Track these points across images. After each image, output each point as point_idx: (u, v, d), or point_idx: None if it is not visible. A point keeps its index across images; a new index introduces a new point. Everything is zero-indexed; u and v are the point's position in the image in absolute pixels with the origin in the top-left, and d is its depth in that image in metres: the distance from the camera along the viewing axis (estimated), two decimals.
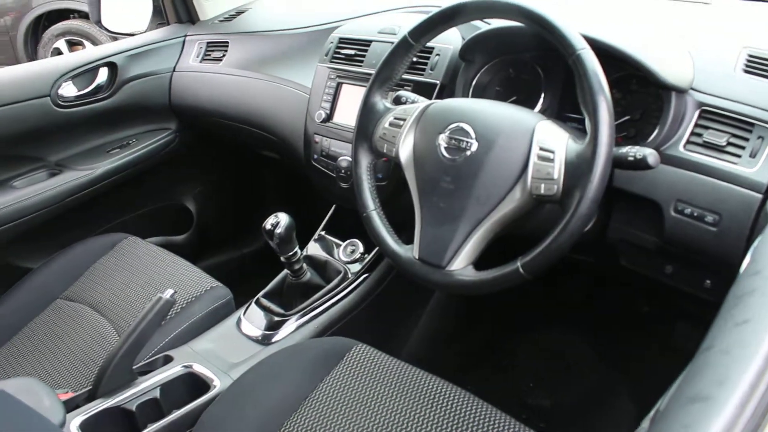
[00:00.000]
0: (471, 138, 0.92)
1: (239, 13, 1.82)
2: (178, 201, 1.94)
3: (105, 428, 1.05)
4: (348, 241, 1.48)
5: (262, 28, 1.71)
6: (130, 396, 1.08)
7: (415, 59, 1.19)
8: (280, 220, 1.23)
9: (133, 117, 1.76)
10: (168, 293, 1.08)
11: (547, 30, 0.88)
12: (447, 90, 1.21)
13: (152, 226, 1.82)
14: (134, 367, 1.11)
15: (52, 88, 1.58)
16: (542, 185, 0.85)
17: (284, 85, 1.52)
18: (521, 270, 0.85)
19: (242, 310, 1.30)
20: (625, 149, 0.87)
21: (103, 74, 1.68)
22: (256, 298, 1.32)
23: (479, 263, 0.92)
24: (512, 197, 0.88)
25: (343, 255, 1.46)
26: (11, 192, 1.56)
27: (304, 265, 1.33)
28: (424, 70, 1.25)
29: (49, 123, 1.59)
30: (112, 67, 1.68)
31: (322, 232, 1.53)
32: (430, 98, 1.14)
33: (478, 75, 1.20)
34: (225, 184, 2.00)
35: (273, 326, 1.26)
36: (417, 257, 0.95)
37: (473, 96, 1.18)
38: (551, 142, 0.87)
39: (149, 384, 1.11)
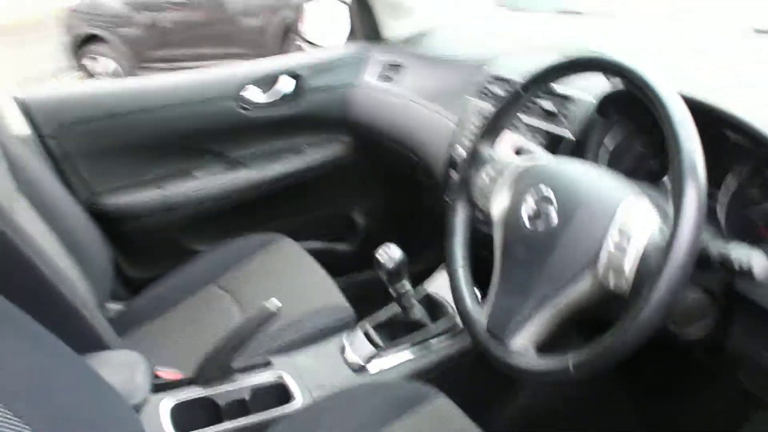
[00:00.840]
0: (553, 208, 0.82)
1: (422, 35, 1.82)
2: (342, 210, 2.00)
3: (192, 414, 1.12)
4: None
5: (436, 52, 1.69)
6: (221, 391, 1.15)
7: (550, 105, 1.10)
8: (390, 252, 1.21)
9: (309, 126, 1.85)
10: (273, 305, 1.12)
11: (635, 85, 0.78)
12: (577, 147, 1.08)
13: (312, 232, 1.91)
14: (233, 364, 1.17)
15: (238, 92, 1.72)
16: (612, 277, 0.73)
17: (439, 114, 1.50)
18: (571, 369, 0.74)
19: (348, 333, 1.31)
20: (729, 248, 0.71)
21: (286, 83, 1.79)
22: (361, 324, 1.32)
23: (545, 345, 0.82)
24: (582, 284, 0.76)
25: None
26: (191, 180, 1.74)
27: (415, 301, 1.30)
28: (556, 117, 1.13)
29: (232, 122, 1.74)
30: (295, 76, 1.79)
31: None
32: (554, 152, 1.04)
33: (613, 135, 1.05)
34: (389, 202, 2.03)
35: (371, 358, 1.25)
36: (485, 325, 0.88)
37: (607, 161, 1.05)
38: (632, 228, 0.73)
39: (241, 384, 1.17)
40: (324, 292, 1.42)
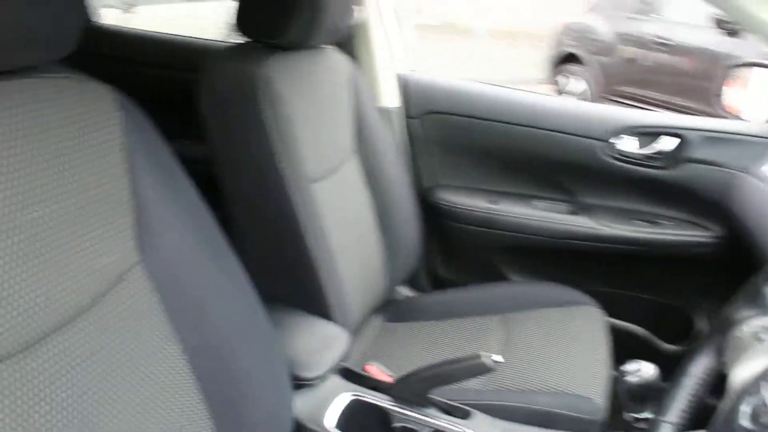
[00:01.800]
0: None
1: None
2: (679, 304, 1.68)
3: (362, 417, 1.08)
4: None
5: None
6: (402, 413, 1.08)
7: None
8: (641, 370, 0.95)
9: (678, 198, 1.58)
10: (491, 360, 1.01)
11: None
12: None
13: (629, 311, 1.65)
14: (431, 395, 1.09)
15: (610, 137, 1.56)
16: None
17: None
18: None
19: None
20: None
21: (667, 143, 1.55)
22: None
23: None
24: None
25: None
26: (528, 207, 1.66)
27: None
28: None
29: (593, 166, 1.59)
30: (678, 139, 1.53)
31: None
32: None
33: None
34: None
35: None
36: None
37: None
38: None
39: (426, 418, 1.08)
40: (590, 379, 1.22)
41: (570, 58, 6.10)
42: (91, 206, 0.73)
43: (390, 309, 1.55)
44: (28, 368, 0.64)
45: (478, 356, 1.01)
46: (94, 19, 2.09)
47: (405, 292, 1.69)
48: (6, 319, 0.62)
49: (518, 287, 1.58)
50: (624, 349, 1.33)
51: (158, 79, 1.75)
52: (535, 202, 1.66)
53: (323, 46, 1.39)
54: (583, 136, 1.57)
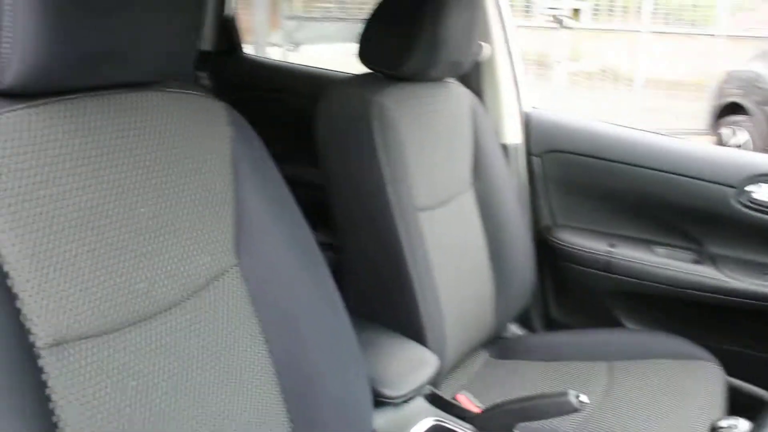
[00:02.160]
0: None
1: None
2: None
3: None
4: None
5: None
6: None
7: None
8: (738, 427, 0.88)
9: None
10: (577, 400, 0.99)
11: None
12: None
13: (750, 373, 1.51)
14: (516, 431, 1.08)
15: (745, 184, 1.46)
16: None
17: None
18: None
19: None
20: None
21: None
22: None
23: None
24: None
25: None
26: (648, 253, 1.58)
27: None
28: None
29: (723, 214, 1.50)
30: None
31: None
32: None
33: None
34: None
35: None
36: None
37: None
38: None
39: None
40: None
41: (733, 109, 5.73)
42: (198, 208, 0.81)
43: (497, 345, 1.54)
44: (125, 345, 0.72)
45: (565, 394, 0.98)
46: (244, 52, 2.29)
47: (515, 329, 1.67)
48: (113, 298, 0.70)
49: (632, 335, 1.52)
50: (744, 412, 1.23)
51: (284, 105, 1.87)
52: (657, 249, 1.58)
53: (446, 79, 1.43)
54: (712, 182, 1.49)
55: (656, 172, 1.53)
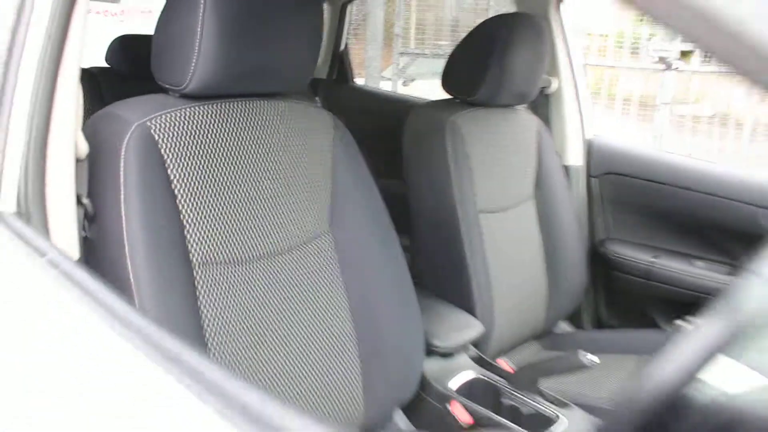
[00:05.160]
0: None
1: None
2: None
3: (481, 392, 1.34)
4: None
5: None
6: (510, 393, 1.31)
7: None
8: None
9: None
10: (589, 360, 1.22)
11: None
12: None
13: None
14: (541, 387, 1.31)
15: None
16: None
17: None
18: None
19: None
20: None
21: None
22: None
23: None
24: None
25: None
26: (687, 265, 1.77)
27: None
28: None
29: (753, 231, 1.67)
30: None
31: None
32: None
33: None
34: None
35: None
36: None
37: None
38: None
39: (525, 399, 1.29)
40: None
41: None
42: (305, 186, 1.15)
43: (548, 338, 1.78)
44: (251, 274, 1.06)
45: (576, 353, 1.22)
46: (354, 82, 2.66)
47: (565, 326, 1.89)
48: (246, 241, 1.05)
49: (663, 334, 1.69)
50: None
51: (379, 124, 2.19)
52: (697, 262, 1.77)
53: (516, 107, 1.71)
54: (745, 203, 1.67)
55: (697, 193, 1.73)
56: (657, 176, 1.80)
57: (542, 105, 1.90)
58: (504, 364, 1.44)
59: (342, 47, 2.57)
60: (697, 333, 0.68)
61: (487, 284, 1.54)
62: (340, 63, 2.56)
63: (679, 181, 1.77)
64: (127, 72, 2.22)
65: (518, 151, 1.70)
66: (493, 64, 1.52)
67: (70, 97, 0.84)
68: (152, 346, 0.58)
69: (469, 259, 1.50)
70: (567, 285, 1.75)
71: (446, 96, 1.65)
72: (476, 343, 1.44)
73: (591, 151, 1.91)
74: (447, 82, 1.62)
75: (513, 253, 1.65)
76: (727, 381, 0.60)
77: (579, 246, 1.78)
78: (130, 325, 0.60)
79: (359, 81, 3.44)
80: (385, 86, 7.31)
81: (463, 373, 1.35)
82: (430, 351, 1.34)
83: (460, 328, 1.40)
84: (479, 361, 1.41)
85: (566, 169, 1.87)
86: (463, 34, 1.64)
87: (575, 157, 1.90)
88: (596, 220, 1.92)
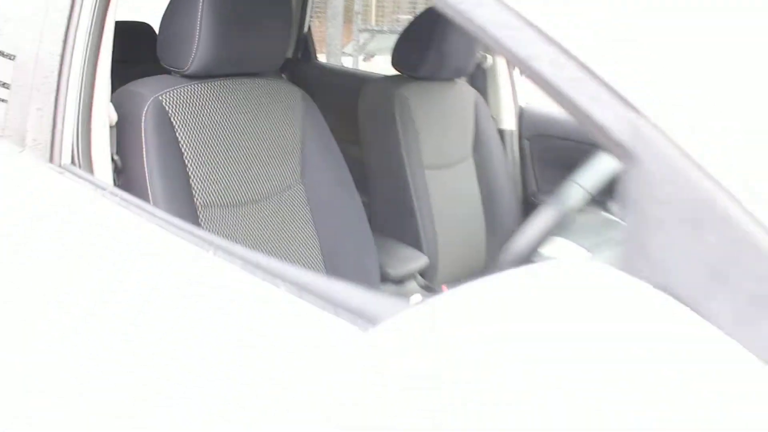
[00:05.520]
0: None
1: None
2: None
3: None
4: None
5: None
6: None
7: None
8: None
9: None
10: None
11: None
12: None
13: None
14: None
15: None
16: None
17: None
18: None
19: None
20: None
21: None
22: None
23: None
24: None
25: None
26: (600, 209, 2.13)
27: None
28: None
29: None
30: None
31: None
32: None
33: None
34: None
35: None
36: None
37: None
38: None
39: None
40: None
41: None
42: (280, 147, 1.45)
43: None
44: (242, 215, 1.36)
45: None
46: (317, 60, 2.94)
47: None
48: (236, 188, 1.35)
49: None
50: None
51: (339, 97, 2.48)
52: (612, 208, 2.12)
53: (456, 79, 2.03)
54: None
55: None
56: (577, 136, 2.13)
57: (479, 78, 2.22)
58: (446, 289, 1.76)
59: (305, 29, 2.84)
60: (537, 219, 1.03)
61: (431, 227, 1.86)
62: (305, 43, 2.84)
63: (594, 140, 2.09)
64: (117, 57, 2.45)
65: (458, 117, 2.01)
66: (434, 43, 1.83)
67: (105, 80, 1.12)
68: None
69: (417, 206, 1.82)
70: (502, 230, 2.08)
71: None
72: (423, 274, 1.77)
73: (522, 116, 2.23)
74: (396, 60, 1.92)
75: (455, 203, 1.97)
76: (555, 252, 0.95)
77: (512, 197, 2.11)
78: (181, 232, 0.87)
79: (321, 58, 3.69)
80: (347, 62, 7.56)
81: (412, 297, 1.68)
82: (384, 279, 1.65)
83: (409, 260, 1.72)
84: (426, 288, 1.73)
85: (501, 132, 2.19)
86: (422, 8, 1.92)
87: (508, 122, 2.22)
88: (527, 176, 2.25)
